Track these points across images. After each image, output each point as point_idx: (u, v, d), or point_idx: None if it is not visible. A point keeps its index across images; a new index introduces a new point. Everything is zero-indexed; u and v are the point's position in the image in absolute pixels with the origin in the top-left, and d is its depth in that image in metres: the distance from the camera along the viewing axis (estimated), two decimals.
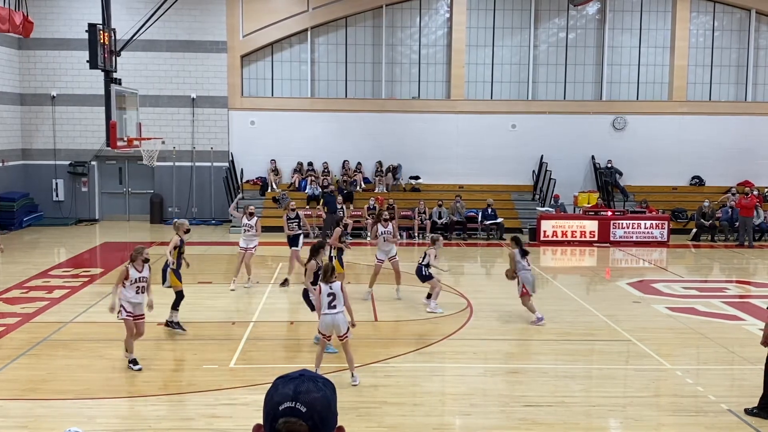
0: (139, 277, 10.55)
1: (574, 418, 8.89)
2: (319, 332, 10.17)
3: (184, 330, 12.27)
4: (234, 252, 21.56)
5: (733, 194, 25.50)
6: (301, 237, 16.69)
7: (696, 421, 8.79)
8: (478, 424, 8.75)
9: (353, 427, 8.34)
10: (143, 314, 10.64)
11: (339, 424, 2.14)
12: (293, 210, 16.84)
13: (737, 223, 23.71)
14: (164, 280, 12.52)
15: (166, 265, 12.51)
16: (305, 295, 12.06)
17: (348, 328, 9.94)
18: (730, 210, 24.42)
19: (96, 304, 14.54)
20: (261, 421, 2.11)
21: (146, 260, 10.73)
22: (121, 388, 9.74)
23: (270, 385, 2.15)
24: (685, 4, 27.49)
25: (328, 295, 9.82)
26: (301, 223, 16.70)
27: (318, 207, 24.93)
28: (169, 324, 12.32)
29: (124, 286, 10.48)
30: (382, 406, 9.13)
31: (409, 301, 15.08)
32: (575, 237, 23.61)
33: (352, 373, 9.91)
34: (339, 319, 9.84)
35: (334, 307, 9.82)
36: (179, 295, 12.42)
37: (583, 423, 8.77)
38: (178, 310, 12.39)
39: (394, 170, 27.07)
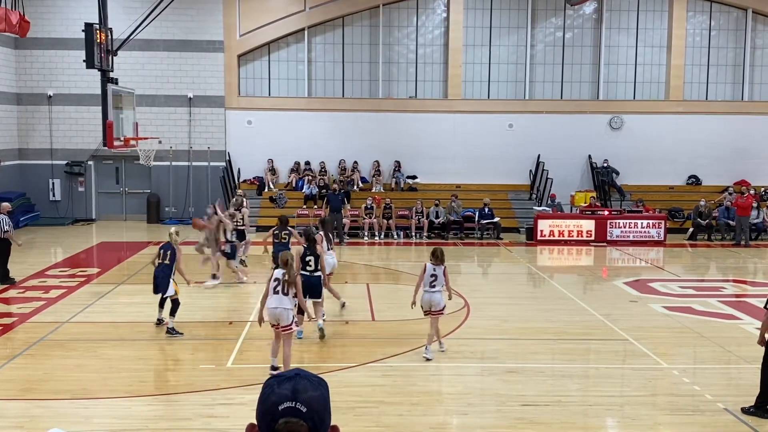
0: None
1: (571, 417, 8.89)
2: (421, 307, 11.19)
3: (181, 333, 12.18)
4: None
5: (730, 193, 25.53)
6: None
7: (693, 420, 8.80)
8: (475, 423, 8.75)
9: (350, 426, 8.34)
10: None
11: (333, 423, 2.14)
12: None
13: (733, 222, 23.76)
14: (166, 288, 12.21)
15: (168, 276, 12.18)
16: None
17: (444, 306, 11.16)
18: (726, 209, 24.46)
19: (93, 304, 14.53)
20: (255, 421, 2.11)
21: None
22: (118, 388, 9.73)
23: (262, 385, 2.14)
24: (681, 4, 27.52)
25: (431, 275, 11.04)
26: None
27: (315, 207, 24.96)
28: (169, 331, 12.18)
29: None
30: (379, 405, 9.13)
31: (406, 301, 15.08)
32: (572, 236, 23.62)
33: (427, 347, 11.03)
34: (436, 297, 11.06)
35: (434, 286, 11.04)
36: (178, 302, 12.33)
37: (579, 422, 8.78)
38: (174, 316, 12.28)
39: (397, 168, 27.11)
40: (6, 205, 16.71)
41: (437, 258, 11.03)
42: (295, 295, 10.09)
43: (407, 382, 10.05)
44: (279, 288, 9.94)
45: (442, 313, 11.15)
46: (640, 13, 27.89)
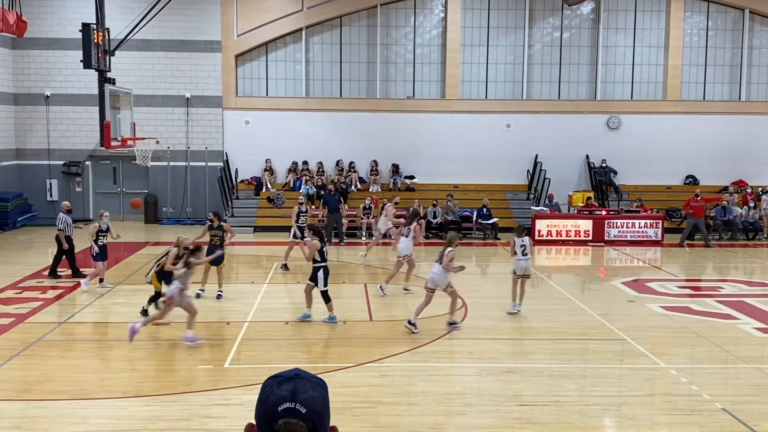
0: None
1: (569, 417, 8.89)
2: (515, 272, 13.82)
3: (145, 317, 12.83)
4: (229, 252, 21.56)
5: (730, 194, 25.55)
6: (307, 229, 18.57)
7: (690, 420, 8.80)
8: (473, 423, 8.75)
9: (348, 426, 8.33)
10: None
11: (332, 423, 2.13)
12: (302, 203, 18.86)
13: (726, 218, 23.75)
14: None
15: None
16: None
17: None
18: (723, 209, 24.50)
19: (90, 304, 14.51)
20: (254, 421, 2.10)
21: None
22: (115, 389, 9.72)
23: (260, 385, 2.14)
24: (679, 4, 27.54)
25: (521, 246, 13.70)
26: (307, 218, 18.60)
27: (312, 207, 24.94)
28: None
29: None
30: (377, 405, 9.13)
31: (404, 301, 15.08)
32: (570, 236, 23.63)
33: (520, 302, 13.77)
34: (530, 264, 13.92)
35: (526, 254, 13.73)
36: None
37: (577, 422, 8.78)
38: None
39: (395, 170, 27.15)
40: (66, 204, 17.41)
41: (522, 231, 13.92)
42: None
43: (405, 382, 10.05)
44: (437, 259, 12.53)
45: (528, 277, 14.02)
46: (637, 13, 27.92)
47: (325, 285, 12.92)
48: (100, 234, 15.76)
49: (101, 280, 15.97)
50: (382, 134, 27.16)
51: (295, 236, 18.14)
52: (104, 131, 18.31)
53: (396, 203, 22.13)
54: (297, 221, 18.31)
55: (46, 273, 17.21)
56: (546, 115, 27.49)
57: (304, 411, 2.03)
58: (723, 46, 28.15)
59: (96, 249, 15.75)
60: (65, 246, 16.66)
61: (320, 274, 12.87)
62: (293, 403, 2.04)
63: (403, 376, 10.35)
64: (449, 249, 12.55)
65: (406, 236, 15.78)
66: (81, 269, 17.02)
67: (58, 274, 16.87)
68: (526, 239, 13.85)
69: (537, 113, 27.49)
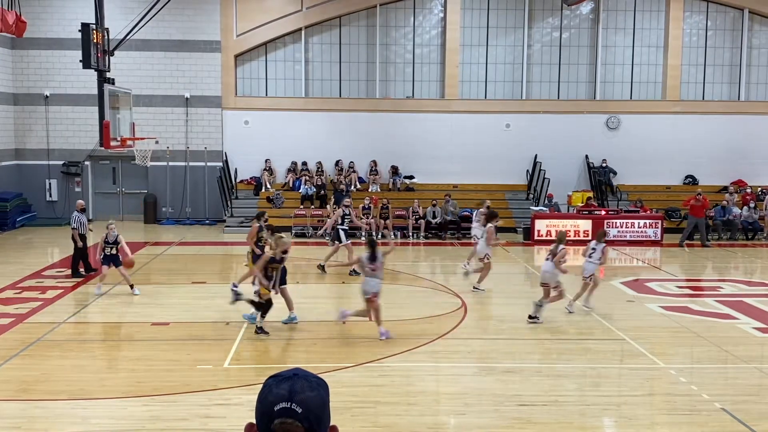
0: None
1: (568, 417, 8.90)
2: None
3: (267, 333, 12.14)
4: (228, 252, 21.60)
5: (730, 194, 25.54)
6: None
7: (690, 420, 8.81)
8: (473, 423, 8.76)
9: (348, 426, 8.33)
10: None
11: (332, 423, 2.13)
12: (348, 206, 18.60)
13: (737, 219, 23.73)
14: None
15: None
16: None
17: (590, 275, 14.05)
18: (723, 209, 24.50)
19: (90, 304, 14.50)
20: (254, 421, 2.11)
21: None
22: (115, 389, 9.71)
23: (261, 385, 2.14)
24: (678, 4, 27.55)
25: (591, 249, 13.98)
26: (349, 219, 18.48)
27: (312, 207, 24.97)
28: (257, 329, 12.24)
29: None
30: (376, 405, 9.13)
31: (403, 301, 15.08)
32: (569, 236, 23.55)
33: (571, 303, 13.86)
34: (591, 267, 13.94)
35: (591, 257, 13.94)
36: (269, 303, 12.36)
37: (577, 422, 8.78)
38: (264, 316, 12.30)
39: (395, 171, 27.12)
40: (80, 202, 17.54)
41: (600, 236, 14.22)
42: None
43: (405, 382, 10.05)
44: (548, 257, 13.13)
45: (587, 281, 13.99)
46: (636, 13, 27.93)
47: (281, 284, 12.89)
48: (106, 244, 15.34)
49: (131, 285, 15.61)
50: (382, 134, 27.16)
51: (348, 237, 18.17)
52: (104, 131, 18.32)
53: (488, 206, 20.07)
54: (341, 223, 18.07)
55: (45, 273, 17.20)
56: (545, 115, 27.49)
57: (300, 411, 2.03)
58: (722, 46, 28.16)
59: (101, 257, 15.47)
60: (80, 244, 16.83)
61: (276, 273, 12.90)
62: (289, 403, 2.03)
63: (403, 376, 10.35)
64: (561, 246, 13.09)
65: (480, 237, 16.43)
66: (80, 270, 17.05)
67: (80, 272, 17.02)
68: (600, 245, 13.91)
69: (536, 113, 27.49)
